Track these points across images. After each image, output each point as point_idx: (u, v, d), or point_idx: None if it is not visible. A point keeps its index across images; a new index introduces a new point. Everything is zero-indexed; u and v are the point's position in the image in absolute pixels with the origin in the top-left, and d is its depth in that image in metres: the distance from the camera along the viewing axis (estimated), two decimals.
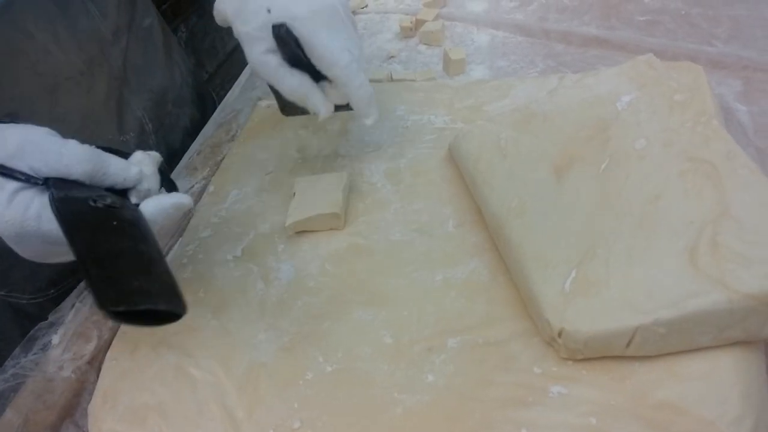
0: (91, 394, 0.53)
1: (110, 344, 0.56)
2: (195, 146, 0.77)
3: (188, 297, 0.56)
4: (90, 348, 0.56)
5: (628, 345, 0.43)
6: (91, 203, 0.41)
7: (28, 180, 0.42)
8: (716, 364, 0.43)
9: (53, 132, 0.44)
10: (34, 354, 0.58)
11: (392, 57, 0.83)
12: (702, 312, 0.42)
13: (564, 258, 0.48)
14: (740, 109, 0.66)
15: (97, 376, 0.54)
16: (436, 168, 0.63)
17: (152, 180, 0.47)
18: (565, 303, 0.45)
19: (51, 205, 0.39)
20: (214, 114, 0.80)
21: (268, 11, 0.53)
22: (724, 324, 0.42)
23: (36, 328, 0.60)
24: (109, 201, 0.43)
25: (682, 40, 0.75)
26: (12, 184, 0.41)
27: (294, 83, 0.53)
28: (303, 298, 0.55)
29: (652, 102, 0.55)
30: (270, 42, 0.53)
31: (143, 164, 0.47)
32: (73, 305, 0.61)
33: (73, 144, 0.43)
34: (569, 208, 0.51)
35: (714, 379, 0.42)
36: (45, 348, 0.58)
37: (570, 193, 0.52)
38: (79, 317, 0.59)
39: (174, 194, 0.48)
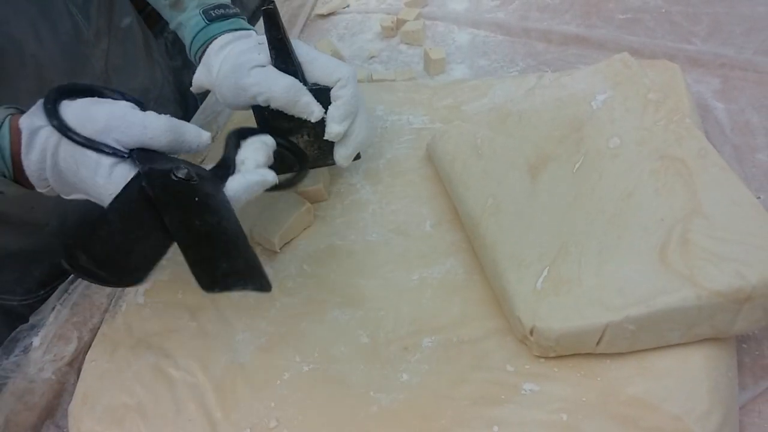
0: (71, 395, 0.53)
1: (90, 346, 0.57)
2: None
3: (167, 298, 0.56)
4: (70, 350, 0.57)
5: (598, 342, 0.44)
6: (173, 177, 0.42)
7: (115, 153, 0.43)
8: (685, 360, 0.44)
9: (134, 105, 0.45)
10: (15, 356, 0.58)
11: (373, 57, 0.83)
12: (671, 309, 0.42)
13: (537, 257, 0.48)
14: (718, 106, 0.66)
15: (77, 378, 0.54)
16: (414, 168, 0.64)
17: (249, 158, 0.50)
18: (537, 301, 0.45)
19: (143, 180, 0.41)
20: (195, 114, 0.80)
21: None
22: (692, 321, 0.43)
23: (17, 330, 0.60)
24: (185, 173, 0.43)
25: (661, 38, 0.76)
26: (108, 159, 0.43)
27: (288, 82, 0.53)
28: (281, 299, 0.55)
29: (627, 100, 0.55)
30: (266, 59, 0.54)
31: (250, 148, 0.50)
32: (53, 308, 0.61)
33: (153, 116, 0.45)
34: (543, 207, 0.51)
35: (683, 376, 0.43)
36: (26, 350, 0.58)
37: (544, 192, 0.52)
38: (59, 319, 0.59)
39: (259, 170, 0.49)
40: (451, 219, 0.58)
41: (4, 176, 0.46)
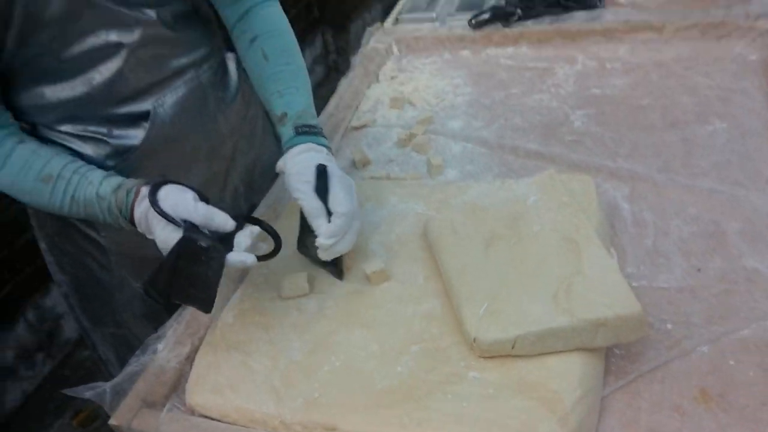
0: (187, 379, 0.84)
1: (198, 348, 0.87)
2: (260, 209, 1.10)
3: (249, 319, 0.87)
4: (186, 351, 0.87)
5: (513, 348, 0.73)
6: (196, 243, 0.75)
7: (175, 223, 0.76)
8: (566, 360, 0.73)
9: (196, 196, 0.79)
10: (148, 355, 0.89)
11: (391, 161, 1.16)
12: (555, 328, 0.72)
13: (482, 297, 0.78)
14: (625, 207, 0.97)
15: (191, 368, 0.85)
16: (415, 240, 0.94)
17: (242, 242, 0.81)
18: (478, 323, 0.75)
19: (180, 240, 0.75)
20: (266, 198, 1.13)
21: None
22: (568, 336, 0.72)
23: (148, 338, 0.91)
24: (204, 244, 0.75)
25: (595, 156, 1.07)
26: (168, 225, 0.77)
27: (316, 204, 0.85)
28: (321, 321, 0.85)
29: (548, 202, 0.86)
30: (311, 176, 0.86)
31: (244, 234, 0.81)
32: (172, 326, 0.92)
33: (201, 205, 0.77)
34: (490, 267, 0.82)
35: (563, 369, 0.72)
36: (155, 352, 0.89)
37: (492, 258, 0.83)
38: (177, 332, 0.90)
39: (242, 254, 0.80)
40: (436, 275, 0.88)
41: (125, 218, 0.82)
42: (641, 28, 1.31)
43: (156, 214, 0.77)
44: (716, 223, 0.90)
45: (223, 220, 0.78)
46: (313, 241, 0.86)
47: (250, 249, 0.93)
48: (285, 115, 0.94)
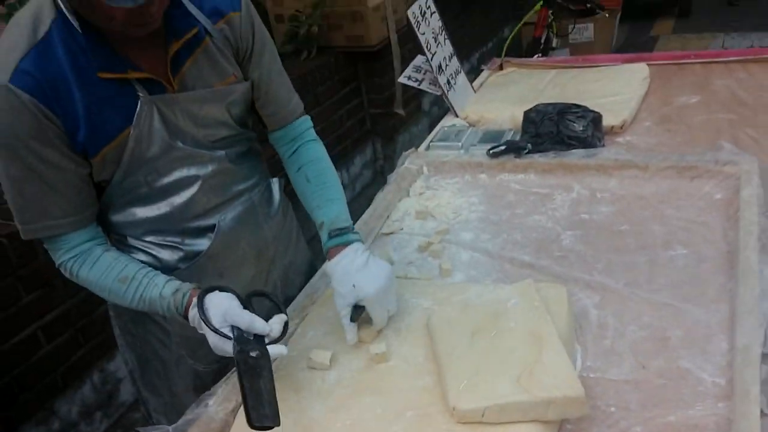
0: (231, 427, 1.07)
1: (240, 405, 1.11)
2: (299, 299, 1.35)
3: (282, 384, 1.11)
4: (231, 405, 1.11)
5: (482, 416, 0.95)
6: (247, 354, 0.99)
7: (220, 333, 1.01)
8: (526, 429, 0.93)
9: (239, 304, 1.04)
10: (200, 408, 1.12)
11: (411, 263, 1.42)
12: (516, 402, 0.93)
13: (463, 375, 1.00)
14: (593, 312, 1.19)
15: (234, 419, 1.08)
16: (420, 329, 1.17)
17: (276, 330, 1.05)
18: (458, 395, 0.97)
19: (235, 356, 0.98)
20: (305, 288, 1.39)
21: (353, 286, 1.13)
22: (526, 409, 0.93)
23: (201, 396, 1.15)
24: (255, 354, 1.00)
25: (575, 270, 1.30)
26: (216, 334, 1.01)
27: (350, 327, 1.12)
28: (339, 389, 1.08)
29: (524, 304, 1.09)
30: (350, 301, 1.13)
31: (275, 323, 1.05)
32: (221, 386, 1.16)
33: (246, 312, 1.03)
34: (472, 353, 1.04)
35: None
36: (206, 406, 1.12)
37: (475, 346, 1.05)
38: (225, 391, 1.14)
39: (277, 346, 1.04)
40: (433, 356, 1.11)
41: (181, 315, 1.08)
42: (629, 166, 1.57)
43: (202, 321, 1.02)
44: (663, 330, 1.11)
45: (262, 326, 1.03)
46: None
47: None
48: (322, 223, 1.23)
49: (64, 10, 0.96)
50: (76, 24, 0.96)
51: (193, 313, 1.05)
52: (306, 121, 1.32)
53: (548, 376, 0.96)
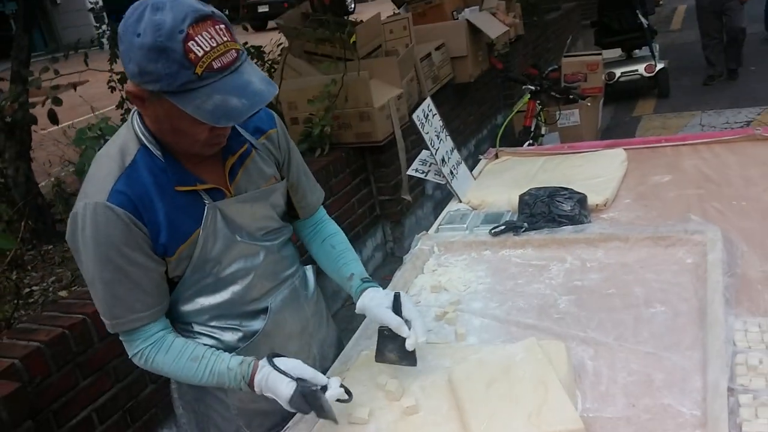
0: None
1: None
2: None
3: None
4: None
5: None
6: (310, 388, 1.22)
7: (291, 377, 1.24)
8: None
9: (299, 361, 1.27)
10: None
11: (430, 330, 1.64)
12: None
13: (483, 418, 1.21)
14: (589, 363, 1.40)
15: None
16: (443, 384, 1.38)
17: (334, 387, 1.27)
18: None
19: (299, 389, 1.23)
20: (339, 357, 1.60)
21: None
22: None
23: None
24: (314, 387, 1.23)
25: (572, 329, 1.52)
26: (288, 379, 1.24)
27: (399, 320, 1.34)
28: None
29: (529, 358, 1.31)
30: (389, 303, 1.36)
31: (333, 384, 1.28)
32: None
33: (306, 366, 1.26)
34: (491, 400, 1.25)
35: None
36: None
37: (492, 394, 1.26)
38: None
39: (335, 390, 1.26)
40: (455, 407, 1.31)
41: (245, 383, 1.29)
42: (613, 239, 1.82)
43: (278, 373, 1.26)
44: (648, 375, 1.32)
45: (323, 377, 1.28)
46: (392, 348, 1.35)
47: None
48: (352, 275, 1.49)
49: (147, 144, 1.24)
50: (158, 153, 1.24)
51: (260, 376, 1.27)
52: (322, 209, 1.64)
53: (554, 414, 1.17)
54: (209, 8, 1.10)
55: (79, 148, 2.64)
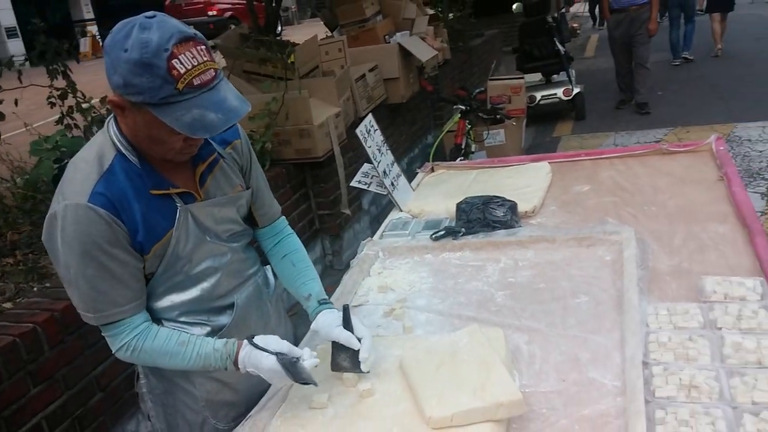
0: None
1: None
2: None
3: (290, 422, 1.42)
4: None
5: (451, 420, 1.28)
6: (288, 357, 1.34)
7: (271, 351, 1.35)
8: (484, 428, 1.27)
9: (276, 337, 1.39)
10: None
11: (379, 326, 1.76)
12: (474, 408, 1.28)
13: (433, 394, 1.34)
14: (524, 347, 1.56)
15: None
16: (395, 371, 1.50)
17: (309, 356, 1.39)
18: (431, 408, 1.31)
19: (278, 361, 1.34)
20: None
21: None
22: (483, 412, 1.28)
23: None
24: (289, 359, 1.34)
25: (508, 318, 1.68)
26: (267, 354, 1.35)
27: (348, 335, 1.45)
28: (337, 420, 1.39)
29: (473, 342, 1.46)
30: (340, 321, 1.48)
31: (307, 354, 1.39)
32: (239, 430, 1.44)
33: (285, 342, 1.38)
34: (438, 379, 1.38)
35: None
36: None
37: (441, 375, 1.40)
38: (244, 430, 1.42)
39: (311, 360, 1.38)
40: (407, 389, 1.44)
41: (231, 361, 1.39)
42: (541, 240, 2.01)
43: (258, 350, 1.36)
44: (575, 354, 1.49)
45: (297, 349, 1.39)
46: (344, 357, 1.46)
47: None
48: (310, 295, 1.58)
49: (123, 150, 1.33)
50: (134, 159, 1.33)
51: (243, 353, 1.38)
52: (284, 220, 1.71)
53: (496, 388, 1.32)
54: (192, 30, 1.21)
55: (34, 158, 2.69)
